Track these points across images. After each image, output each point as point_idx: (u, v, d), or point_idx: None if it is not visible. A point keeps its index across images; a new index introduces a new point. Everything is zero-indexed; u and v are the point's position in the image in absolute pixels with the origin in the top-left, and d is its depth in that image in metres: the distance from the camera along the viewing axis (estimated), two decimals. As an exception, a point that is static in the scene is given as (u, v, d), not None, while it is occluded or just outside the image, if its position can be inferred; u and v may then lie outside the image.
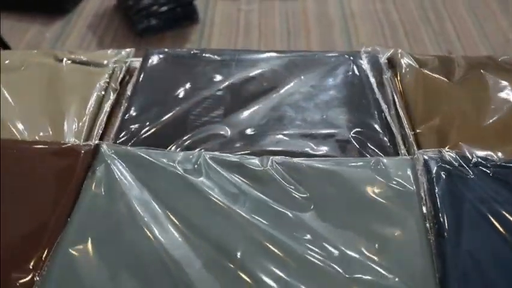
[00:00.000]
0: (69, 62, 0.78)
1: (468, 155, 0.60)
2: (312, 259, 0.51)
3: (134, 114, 0.69)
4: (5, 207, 0.56)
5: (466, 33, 1.06)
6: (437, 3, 1.21)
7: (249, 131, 0.66)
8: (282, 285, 0.49)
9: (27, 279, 0.50)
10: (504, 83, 0.71)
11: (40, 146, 0.63)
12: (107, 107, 0.71)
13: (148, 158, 0.61)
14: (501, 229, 0.52)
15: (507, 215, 0.53)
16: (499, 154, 0.61)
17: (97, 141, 0.64)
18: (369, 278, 0.49)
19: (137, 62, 0.78)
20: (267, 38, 1.33)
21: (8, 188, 0.58)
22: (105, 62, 0.77)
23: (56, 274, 0.50)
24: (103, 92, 0.72)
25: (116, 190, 0.57)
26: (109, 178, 0.58)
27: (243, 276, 0.50)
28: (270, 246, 0.52)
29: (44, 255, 0.51)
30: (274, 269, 0.50)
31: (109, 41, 1.32)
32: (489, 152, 0.61)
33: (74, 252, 0.51)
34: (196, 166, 0.60)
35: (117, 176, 0.59)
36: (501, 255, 0.50)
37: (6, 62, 0.77)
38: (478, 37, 1.04)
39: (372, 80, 0.73)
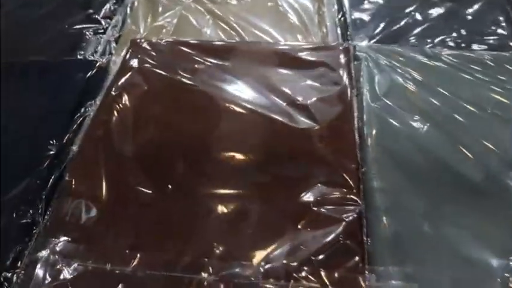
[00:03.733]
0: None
1: None
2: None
3: (358, 27, 0.93)
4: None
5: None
6: None
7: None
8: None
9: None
10: None
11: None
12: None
13: (395, 49, 0.83)
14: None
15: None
16: None
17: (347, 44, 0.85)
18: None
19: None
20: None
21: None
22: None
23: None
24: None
25: (383, 69, 0.80)
26: (374, 63, 0.81)
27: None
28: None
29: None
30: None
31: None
32: None
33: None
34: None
35: (381, 62, 0.81)
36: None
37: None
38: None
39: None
